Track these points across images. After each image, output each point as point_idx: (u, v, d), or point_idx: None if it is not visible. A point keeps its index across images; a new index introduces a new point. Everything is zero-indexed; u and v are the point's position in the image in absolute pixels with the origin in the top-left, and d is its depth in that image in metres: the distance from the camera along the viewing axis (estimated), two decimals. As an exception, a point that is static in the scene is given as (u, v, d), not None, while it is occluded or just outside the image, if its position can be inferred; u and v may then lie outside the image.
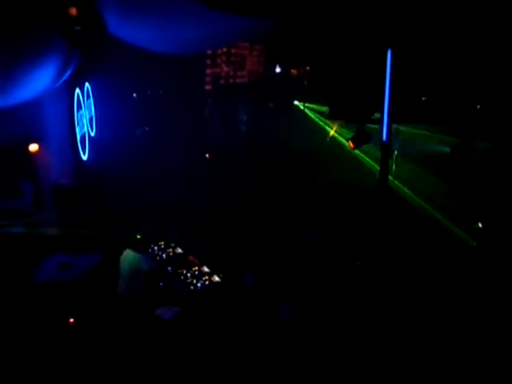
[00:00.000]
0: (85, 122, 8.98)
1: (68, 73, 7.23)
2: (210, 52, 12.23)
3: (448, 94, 8.60)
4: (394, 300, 6.30)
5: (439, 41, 7.32)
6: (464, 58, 7.91)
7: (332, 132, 11.97)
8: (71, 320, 5.72)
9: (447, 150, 10.19)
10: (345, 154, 10.98)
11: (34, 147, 7.85)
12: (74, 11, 5.93)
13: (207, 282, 6.61)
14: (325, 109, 11.48)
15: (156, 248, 7.29)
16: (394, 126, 7.77)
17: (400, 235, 7.82)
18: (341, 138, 11.70)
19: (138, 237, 5.88)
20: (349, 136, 8.02)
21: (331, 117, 8.95)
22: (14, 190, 7.78)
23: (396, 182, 10.21)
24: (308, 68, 12.21)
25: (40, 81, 6.47)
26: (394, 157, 10.22)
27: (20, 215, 7.57)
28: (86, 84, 8.93)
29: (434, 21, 6.95)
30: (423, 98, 9.69)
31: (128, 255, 5.76)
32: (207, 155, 10.70)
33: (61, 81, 7.33)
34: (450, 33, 7.20)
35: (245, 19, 6.69)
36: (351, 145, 7.85)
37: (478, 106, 9.09)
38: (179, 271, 6.79)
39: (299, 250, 7.54)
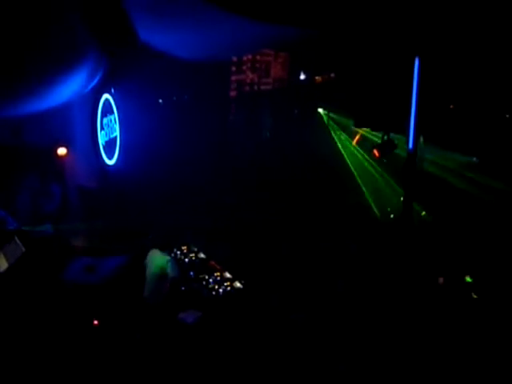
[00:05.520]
0: (115, 126, 9.11)
1: (98, 78, 7.35)
2: (235, 59, 12.31)
3: (476, 102, 8.48)
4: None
5: (467, 48, 7.23)
6: (492, 64, 7.79)
7: (355, 142, 11.92)
8: (95, 322, 5.79)
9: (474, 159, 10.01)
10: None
11: (62, 151, 7.98)
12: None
13: (229, 288, 6.62)
14: (347, 121, 11.55)
15: (179, 252, 7.34)
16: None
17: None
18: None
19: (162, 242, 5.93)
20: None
21: (357, 125, 8.89)
22: (43, 193, 7.94)
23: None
24: (333, 75, 12.19)
25: (72, 86, 6.59)
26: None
27: (48, 217, 7.71)
28: (112, 89, 9.05)
29: (462, 28, 6.88)
30: (451, 106, 9.57)
31: (155, 257, 5.82)
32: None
33: (91, 86, 7.45)
34: (478, 39, 7.11)
35: (270, 27, 6.71)
36: (376, 153, 7.77)
37: (508, 116, 8.94)
38: (201, 276, 6.82)
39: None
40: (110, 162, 8.99)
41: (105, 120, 8.80)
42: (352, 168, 11.59)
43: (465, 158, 10.32)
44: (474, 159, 10.06)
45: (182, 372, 5.22)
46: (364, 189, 11.19)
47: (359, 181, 11.37)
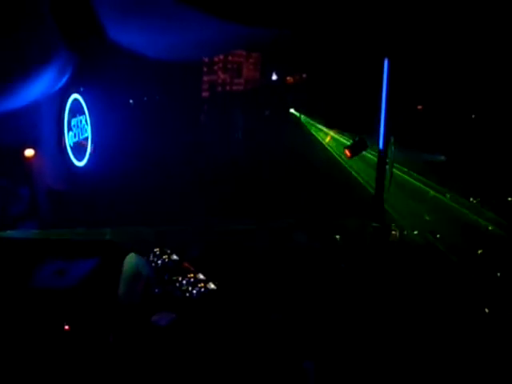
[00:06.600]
0: (86, 127, 8.96)
1: (66, 77, 7.22)
2: (206, 59, 12.29)
3: (444, 103, 8.69)
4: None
5: (435, 50, 7.39)
6: (460, 66, 7.99)
7: (327, 140, 12.04)
8: (66, 327, 5.68)
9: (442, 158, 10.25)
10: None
11: (29, 152, 7.79)
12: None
13: (203, 290, 6.60)
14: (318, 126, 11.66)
15: (152, 255, 7.27)
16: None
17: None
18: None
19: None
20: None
21: (328, 125, 9.00)
22: (11, 194, 7.74)
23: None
24: (304, 76, 12.29)
25: (39, 85, 6.45)
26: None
27: (16, 220, 7.52)
28: (82, 89, 8.90)
29: (431, 30, 7.03)
30: (419, 107, 9.78)
31: (131, 258, 5.83)
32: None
33: (59, 85, 7.31)
34: (445, 42, 7.28)
35: (242, 27, 6.72)
36: (348, 153, 7.85)
37: (473, 116, 9.20)
38: (174, 278, 6.77)
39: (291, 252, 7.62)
40: (80, 164, 8.82)
41: (73, 121, 8.63)
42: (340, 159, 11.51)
43: (433, 156, 10.56)
44: (442, 157, 10.30)
45: (156, 374, 5.17)
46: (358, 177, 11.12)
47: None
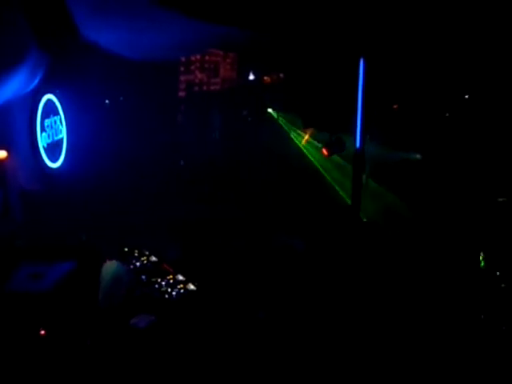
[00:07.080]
0: (61, 128, 8.81)
1: (38, 78, 7.08)
2: (183, 59, 12.25)
3: (418, 102, 8.82)
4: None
5: (411, 49, 7.51)
6: (432, 66, 8.12)
7: (304, 140, 12.12)
8: (42, 332, 5.56)
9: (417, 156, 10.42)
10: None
11: (1, 154, 7.62)
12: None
13: (182, 291, 6.56)
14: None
15: (130, 256, 7.19)
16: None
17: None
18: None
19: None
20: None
21: (305, 125, 9.07)
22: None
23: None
24: (282, 75, 12.35)
25: (10, 86, 6.31)
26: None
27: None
28: (57, 90, 8.76)
29: (406, 29, 7.14)
30: (394, 106, 9.91)
31: (112, 265, 5.75)
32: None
33: (32, 85, 7.17)
34: (421, 41, 7.40)
35: (217, 27, 6.70)
36: (325, 152, 7.94)
37: (448, 114, 9.36)
38: (153, 280, 6.71)
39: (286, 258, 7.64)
40: (54, 165, 8.67)
41: (47, 121, 8.48)
42: (315, 162, 11.69)
43: (408, 154, 10.72)
44: (418, 156, 10.47)
45: (135, 378, 5.11)
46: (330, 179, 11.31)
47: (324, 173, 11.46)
